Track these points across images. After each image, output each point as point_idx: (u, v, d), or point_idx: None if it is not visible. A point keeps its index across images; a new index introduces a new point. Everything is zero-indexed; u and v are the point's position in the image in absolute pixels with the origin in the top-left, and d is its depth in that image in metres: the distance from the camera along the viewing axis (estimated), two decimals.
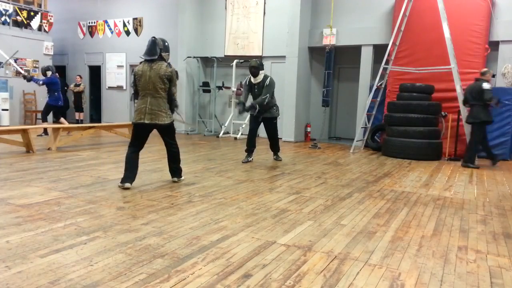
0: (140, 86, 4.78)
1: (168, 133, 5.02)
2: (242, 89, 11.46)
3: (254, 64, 6.74)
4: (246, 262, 2.77)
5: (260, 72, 6.75)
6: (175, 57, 12.36)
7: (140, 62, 4.86)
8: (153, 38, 4.85)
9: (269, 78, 6.78)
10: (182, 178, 5.32)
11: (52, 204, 4.02)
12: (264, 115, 6.91)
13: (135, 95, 4.95)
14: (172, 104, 4.90)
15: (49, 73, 10.05)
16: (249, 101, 6.95)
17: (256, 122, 7.03)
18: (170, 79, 4.77)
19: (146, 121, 4.74)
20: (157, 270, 2.59)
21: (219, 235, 3.28)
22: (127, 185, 4.76)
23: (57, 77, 10.17)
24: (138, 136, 4.92)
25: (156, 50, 4.76)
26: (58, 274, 2.49)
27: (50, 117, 10.59)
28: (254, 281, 2.49)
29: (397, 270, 2.75)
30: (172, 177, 5.25)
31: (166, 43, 4.90)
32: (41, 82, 9.94)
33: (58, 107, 10.15)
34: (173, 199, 4.40)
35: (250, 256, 2.88)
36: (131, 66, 14.09)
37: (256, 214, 3.95)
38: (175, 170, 5.22)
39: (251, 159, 7.07)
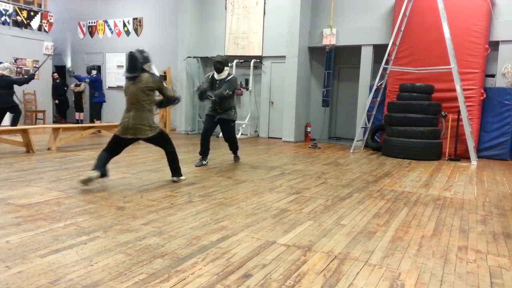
0: (126, 100, 4.88)
1: (156, 142, 5.07)
2: (241, 89, 11.60)
3: (219, 59, 6.49)
4: (246, 262, 2.77)
5: (225, 68, 6.52)
6: (175, 57, 12.40)
7: (126, 78, 4.90)
8: (131, 53, 4.81)
9: (232, 76, 6.59)
10: (183, 177, 5.32)
11: (52, 204, 4.02)
12: (221, 116, 6.57)
13: None
14: (171, 102, 5.10)
15: (94, 72, 10.72)
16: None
17: (211, 123, 6.65)
18: (158, 89, 4.86)
19: (129, 136, 4.83)
20: (157, 270, 2.59)
21: (219, 235, 3.28)
22: (91, 173, 4.67)
23: (99, 76, 11.06)
24: (116, 145, 4.95)
25: (137, 66, 4.77)
26: (58, 274, 2.49)
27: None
28: (254, 281, 2.49)
29: (397, 270, 2.75)
30: (172, 177, 5.27)
31: (145, 54, 4.87)
32: (87, 80, 10.62)
33: (102, 104, 11.09)
34: (173, 199, 4.40)
35: (250, 256, 2.88)
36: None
37: (256, 214, 3.95)
38: (174, 169, 5.25)
39: (205, 162, 6.62)
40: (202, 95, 6.41)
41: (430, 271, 2.75)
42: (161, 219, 3.67)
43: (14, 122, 9.49)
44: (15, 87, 9.61)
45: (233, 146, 6.99)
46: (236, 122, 11.33)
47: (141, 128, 4.80)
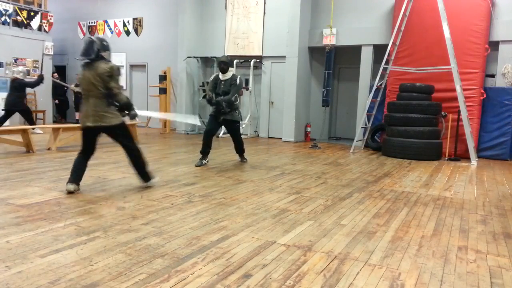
0: (82, 90, 4.57)
1: (118, 134, 4.64)
2: (241, 89, 11.57)
3: (224, 60, 6.49)
4: (246, 262, 2.77)
5: (230, 69, 6.53)
6: (175, 57, 12.40)
7: (82, 65, 4.60)
8: (89, 38, 4.56)
9: (238, 77, 6.54)
10: (155, 180, 4.92)
11: (52, 204, 4.02)
12: (225, 117, 6.53)
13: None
14: (114, 101, 4.58)
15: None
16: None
17: (215, 123, 6.62)
18: (110, 75, 4.44)
19: (90, 124, 4.44)
20: (157, 270, 2.59)
21: (219, 235, 3.28)
22: (70, 187, 4.45)
23: None
24: (86, 141, 4.64)
25: (93, 50, 4.45)
26: (58, 274, 2.49)
27: None
28: (254, 281, 2.49)
29: (397, 270, 2.75)
30: (140, 182, 4.82)
31: (105, 42, 4.59)
32: None
33: None
34: (173, 199, 4.40)
35: (250, 256, 2.88)
36: (131, 66, 14.11)
37: (256, 214, 3.95)
38: (140, 172, 4.80)
39: (206, 161, 6.58)
40: (210, 103, 6.50)
41: (430, 271, 2.75)
42: (161, 219, 3.67)
43: (30, 122, 9.77)
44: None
45: (240, 148, 6.93)
46: None
47: (104, 115, 4.42)
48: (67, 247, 2.92)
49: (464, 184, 5.86)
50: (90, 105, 4.45)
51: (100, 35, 14.57)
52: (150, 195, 4.51)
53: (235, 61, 11.47)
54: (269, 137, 11.55)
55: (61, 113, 14.82)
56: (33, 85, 9.84)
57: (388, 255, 3.01)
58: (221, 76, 6.53)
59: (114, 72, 4.47)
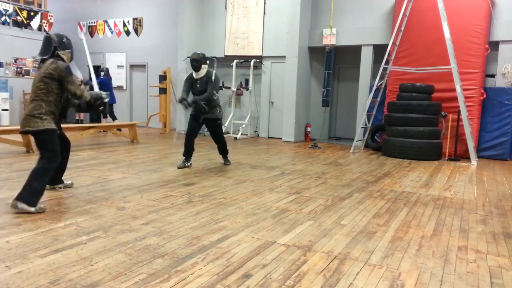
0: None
1: (39, 142, 4.02)
2: (241, 89, 11.61)
3: (196, 57, 6.10)
4: (246, 262, 2.77)
5: (203, 66, 6.16)
6: (175, 57, 12.40)
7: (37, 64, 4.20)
8: (46, 35, 4.13)
9: (213, 73, 6.21)
10: (32, 208, 3.71)
11: (52, 204, 4.02)
12: (206, 115, 6.29)
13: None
14: (88, 107, 4.25)
15: (101, 74, 11.04)
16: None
17: (196, 123, 6.36)
18: (59, 79, 3.89)
19: (20, 129, 3.98)
20: (157, 270, 2.59)
21: (219, 235, 3.28)
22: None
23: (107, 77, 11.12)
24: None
25: (49, 49, 4.00)
26: (58, 274, 2.49)
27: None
28: (254, 281, 2.49)
29: (397, 270, 2.75)
30: (15, 199, 3.74)
31: (64, 39, 4.10)
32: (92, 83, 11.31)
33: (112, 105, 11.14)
34: (173, 199, 4.40)
35: (250, 256, 2.88)
36: (131, 66, 14.10)
37: (256, 214, 3.95)
38: (26, 190, 3.76)
39: (189, 164, 6.34)
40: (186, 105, 6.17)
41: (430, 271, 2.75)
42: (161, 219, 3.67)
43: None
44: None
45: (223, 148, 6.73)
46: (236, 122, 11.56)
47: (30, 118, 3.84)
48: (67, 247, 2.92)
49: (464, 184, 5.86)
50: (27, 108, 3.95)
51: (100, 35, 14.57)
52: (150, 195, 4.51)
53: (235, 61, 11.50)
54: (269, 137, 11.55)
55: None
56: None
57: (388, 255, 3.01)
58: (194, 75, 6.23)
59: (62, 73, 3.91)
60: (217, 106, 6.39)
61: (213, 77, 6.19)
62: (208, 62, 6.31)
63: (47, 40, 4.05)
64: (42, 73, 3.91)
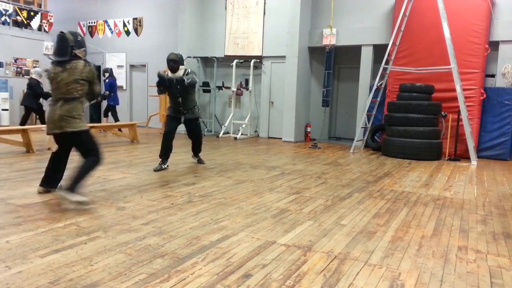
0: (52, 90, 4.13)
1: (84, 142, 4.17)
2: (241, 89, 11.61)
3: (173, 58, 5.95)
4: (246, 262, 2.77)
5: (180, 67, 6.02)
6: None
7: (52, 62, 4.15)
8: (61, 34, 4.08)
9: (189, 69, 6.11)
10: (74, 198, 3.96)
11: (52, 204, 4.02)
12: (186, 116, 6.22)
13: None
14: (95, 97, 4.33)
15: (106, 75, 11.24)
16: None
17: (176, 123, 6.21)
18: (90, 80, 4.12)
19: (57, 131, 4.04)
20: (157, 270, 2.59)
21: (219, 235, 3.28)
22: (39, 188, 4.31)
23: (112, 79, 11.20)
24: (60, 146, 4.30)
25: (67, 49, 4.02)
26: (58, 274, 2.49)
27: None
28: (254, 281, 2.49)
29: (397, 270, 2.75)
30: (63, 188, 4.03)
31: (79, 38, 4.13)
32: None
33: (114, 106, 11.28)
34: (173, 199, 4.40)
35: (250, 256, 2.88)
36: (131, 66, 14.11)
37: (256, 214, 3.95)
38: (74, 180, 4.00)
39: (165, 166, 6.11)
40: (163, 83, 5.98)
41: (430, 271, 2.75)
42: (161, 219, 3.67)
43: (42, 121, 10.40)
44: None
45: (199, 146, 6.66)
46: (236, 122, 11.56)
47: (70, 119, 4.01)
48: (67, 247, 2.91)
49: (464, 184, 5.86)
50: (57, 109, 4.04)
51: (100, 35, 14.57)
52: (150, 195, 4.51)
53: (235, 61, 11.50)
54: (269, 137, 11.55)
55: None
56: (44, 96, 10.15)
57: (388, 255, 3.01)
58: (171, 75, 6.02)
59: (94, 76, 4.15)
60: (195, 105, 6.39)
61: (190, 71, 6.09)
62: (184, 63, 6.23)
63: (63, 40, 4.04)
64: (78, 76, 4.02)
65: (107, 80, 10.96)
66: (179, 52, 6.34)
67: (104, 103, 11.57)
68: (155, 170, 5.96)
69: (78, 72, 4.02)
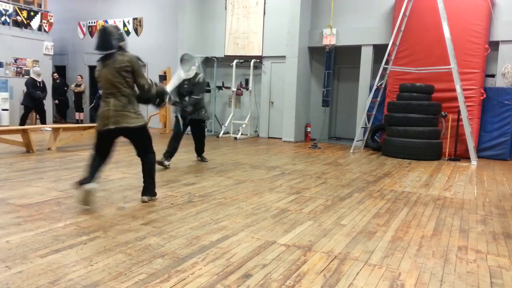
0: (101, 88, 4.02)
1: (141, 138, 4.17)
2: (241, 89, 11.61)
3: (187, 58, 6.19)
4: (246, 262, 2.77)
5: (193, 68, 6.25)
6: (175, 57, 12.38)
7: (98, 60, 4.01)
8: (104, 28, 4.01)
9: (201, 75, 6.37)
10: (156, 197, 4.34)
11: (52, 204, 4.02)
12: (192, 116, 6.33)
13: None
14: (148, 99, 4.19)
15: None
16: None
17: (184, 125, 6.38)
18: (132, 71, 3.92)
19: (112, 126, 3.91)
20: (157, 270, 2.59)
21: (219, 235, 3.28)
22: (90, 186, 3.87)
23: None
24: (103, 144, 4.10)
25: (111, 42, 3.89)
26: (58, 274, 2.49)
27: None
28: (254, 281, 2.49)
29: (397, 270, 2.75)
30: (143, 195, 4.26)
31: (120, 30, 4.05)
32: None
33: None
34: (173, 199, 4.40)
35: (250, 256, 2.88)
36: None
37: (256, 214, 3.95)
38: (150, 185, 4.29)
39: (167, 164, 6.18)
40: (183, 107, 6.21)
41: (430, 271, 2.75)
42: (161, 219, 3.67)
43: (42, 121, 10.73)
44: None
45: (202, 147, 6.85)
46: (236, 122, 11.56)
47: (126, 114, 3.92)
48: (67, 247, 2.91)
49: (464, 184, 5.86)
50: (109, 105, 3.93)
51: None
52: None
53: (235, 61, 11.50)
54: (269, 137, 11.55)
55: (61, 113, 14.82)
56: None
57: (388, 255, 3.01)
58: (184, 75, 6.08)
59: (136, 65, 3.94)
60: (203, 108, 6.54)
61: (199, 80, 6.32)
62: (196, 64, 6.44)
63: (107, 33, 3.92)
64: (117, 67, 3.87)
65: None
66: (190, 54, 6.56)
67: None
68: (157, 163, 5.90)
69: (118, 63, 3.89)
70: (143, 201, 4.22)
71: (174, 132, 6.39)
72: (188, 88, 6.24)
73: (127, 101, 3.96)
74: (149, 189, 4.27)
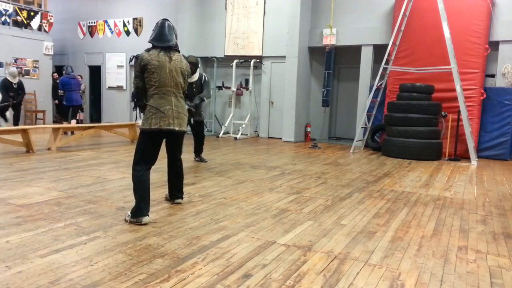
0: (157, 81, 3.60)
1: (181, 142, 4.16)
2: (241, 89, 11.60)
3: (194, 61, 6.18)
4: (246, 262, 2.77)
5: (197, 70, 6.37)
6: None
7: (147, 50, 3.68)
8: (166, 21, 3.78)
9: (205, 76, 6.50)
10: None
11: (52, 204, 4.02)
12: (195, 118, 6.45)
13: (141, 92, 3.69)
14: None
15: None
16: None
17: (190, 125, 6.57)
18: (187, 75, 3.86)
19: (176, 128, 3.68)
20: (157, 270, 2.59)
21: (219, 235, 3.28)
22: (146, 219, 3.52)
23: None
24: (154, 148, 3.71)
25: (173, 36, 3.72)
26: (58, 274, 2.49)
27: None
28: (254, 281, 2.49)
29: (397, 270, 2.75)
30: (176, 199, 4.21)
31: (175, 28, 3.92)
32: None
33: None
34: None
35: (250, 256, 2.88)
36: (131, 66, 14.09)
37: (256, 214, 3.95)
38: (181, 188, 4.27)
39: (197, 158, 6.96)
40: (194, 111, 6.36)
41: (430, 271, 2.75)
42: (161, 219, 3.67)
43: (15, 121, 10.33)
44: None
45: (201, 146, 7.03)
46: (236, 122, 11.56)
47: (184, 118, 3.78)
48: (67, 247, 2.91)
49: (464, 184, 5.86)
50: (171, 103, 3.66)
51: (100, 35, 14.57)
52: (150, 195, 4.50)
53: (235, 61, 11.50)
54: (269, 137, 11.55)
55: (61, 113, 14.81)
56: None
57: (388, 255, 3.01)
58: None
59: (188, 73, 3.89)
60: (202, 109, 6.82)
61: (206, 79, 6.53)
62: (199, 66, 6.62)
63: (170, 27, 3.76)
64: (184, 69, 3.78)
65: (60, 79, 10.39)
66: (196, 57, 6.72)
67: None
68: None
69: (184, 64, 3.78)
70: (179, 203, 4.21)
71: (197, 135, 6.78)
72: (196, 90, 6.37)
73: (184, 104, 3.84)
74: (182, 191, 4.28)
